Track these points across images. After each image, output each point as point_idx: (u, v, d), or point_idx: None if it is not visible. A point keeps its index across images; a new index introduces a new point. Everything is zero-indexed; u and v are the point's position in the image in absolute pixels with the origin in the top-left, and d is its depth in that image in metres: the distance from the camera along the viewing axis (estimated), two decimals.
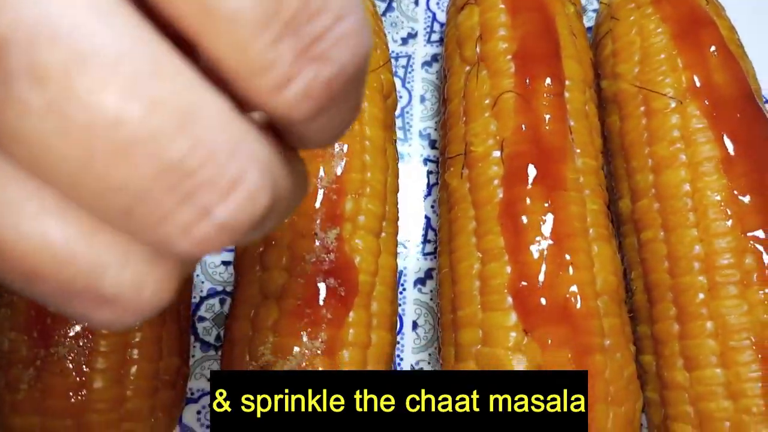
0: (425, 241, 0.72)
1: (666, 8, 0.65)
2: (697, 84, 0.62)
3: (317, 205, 0.57)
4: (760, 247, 0.56)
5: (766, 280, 0.55)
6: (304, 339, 0.53)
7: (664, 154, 0.61)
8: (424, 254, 0.72)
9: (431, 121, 0.77)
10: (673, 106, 0.62)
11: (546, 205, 0.56)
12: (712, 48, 0.62)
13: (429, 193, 0.74)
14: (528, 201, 0.57)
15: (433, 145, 0.76)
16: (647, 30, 0.65)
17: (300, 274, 0.55)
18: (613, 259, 0.58)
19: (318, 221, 0.56)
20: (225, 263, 0.70)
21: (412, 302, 0.70)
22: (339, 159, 0.58)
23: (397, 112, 0.77)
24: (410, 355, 0.68)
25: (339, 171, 0.58)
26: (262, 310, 0.55)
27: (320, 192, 0.57)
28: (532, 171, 0.58)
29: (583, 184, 0.59)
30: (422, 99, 0.78)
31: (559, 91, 0.61)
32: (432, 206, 0.74)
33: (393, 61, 0.79)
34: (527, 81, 0.61)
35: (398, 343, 0.68)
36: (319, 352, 0.53)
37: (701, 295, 0.56)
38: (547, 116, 0.60)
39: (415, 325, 0.69)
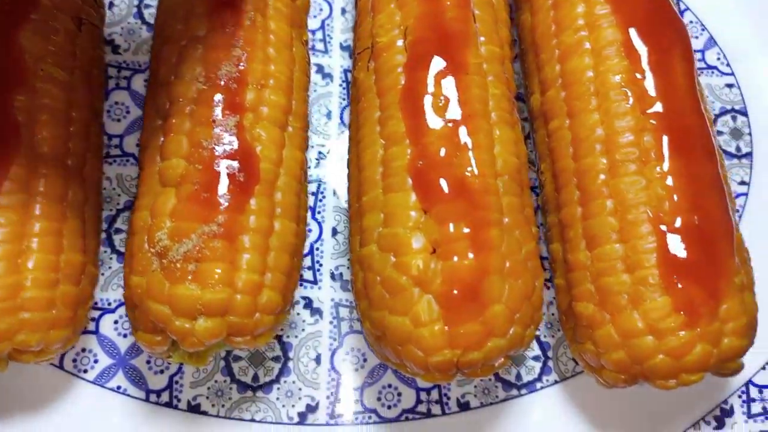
0: (348, 151, 0.72)
1: None
2: None
3: (217, 94, 0.56)
4: (658, 124, 0.56)
5: (663, 156, 0.55)
6: (201, 222, 0.52)
7: (569, 42, 0.61)
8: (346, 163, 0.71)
9: (351, 33, 0.77)
10: None
11: (447, 88, 0.56)
12: None
13: (349, 103, 0.74)
14: (429, 85, 0.56)
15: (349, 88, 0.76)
16: None
17: (198, 160, 0.54)
18: (516, 143, 0.58)
19: (217, 109, 0.56)
20: None
21: (331, 210, 0.70)
22: (240, 50, 0.57)
23: (317, 24, 0.76)
24: (330, 261, 0.68)
25: (240, 62, 0.57)
26: (160, 199, 0.54)
27: (221, 81, 0.56)
28: (434, 56, 0.57)
29: (486, 70, 0.59)
30: (343, 11, 0.77)
31: None
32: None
33: None
34: None
35: (318, 249, 0.68)
36: (217, 234, 0.52)
37: (602, 176, 0.56)
38: (450, 3, 0.59)
39: (334, 232, 0.69)
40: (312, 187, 0.70)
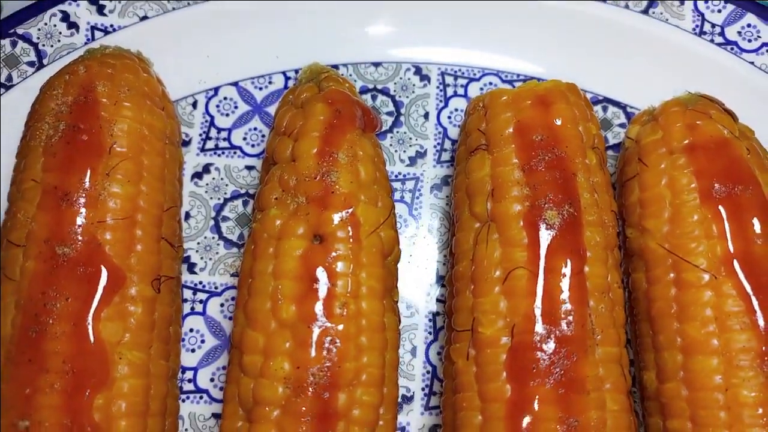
0: (430, 392, 0.67)
1: (701, 160, 0.58)
2: (734, 257, 0.55)
3: (303, 406, 0.51)
4: None
5: None
6: None
7: (695, 335, 0.55)
8: (428, 408, 0.66)
9: (440, 254, 0.71)
10: (707, 279, 0.55)
11: (561, 412, 0.51)
12: (754, 215, 0.55)
13: (435, 339, 0.69)
14: (538, 406, 0.51)
15: (440, 281, 0.70)
16: (679, 184, 0.58)
17: None
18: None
19: (303, 427, 0.51)
20: (248, 168, 0.73)
21: None
22: (331, 352, 0.53)
23: (404, 243, 0.71)
24: None
25: (330, 362, 0.53)
26: None
27: (309, 389, 0.52)
28: (545, 367, 0.52)
29: (603, 377, 0.53)
30: (430, 229, 0.72)
31: (579, 267, 0.55)
32: (438, 353, 0.68)
33: (399, 184, 0.73)
34: (543, 256, 0.55)
35: None
36: None
37: None
38: (565, 299, 0.54)
39: None
40: None
